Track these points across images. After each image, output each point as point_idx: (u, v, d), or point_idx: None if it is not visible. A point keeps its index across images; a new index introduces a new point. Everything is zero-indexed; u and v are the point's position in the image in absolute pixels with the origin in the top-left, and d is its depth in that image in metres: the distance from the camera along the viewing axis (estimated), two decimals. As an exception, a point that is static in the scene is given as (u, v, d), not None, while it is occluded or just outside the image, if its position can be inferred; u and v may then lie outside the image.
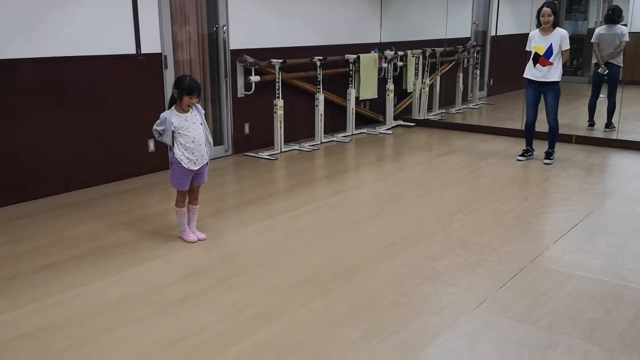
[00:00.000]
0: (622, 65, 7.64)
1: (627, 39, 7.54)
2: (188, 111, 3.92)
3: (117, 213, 4.76)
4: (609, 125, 7.84)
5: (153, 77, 5.82)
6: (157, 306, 3.21)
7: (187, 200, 4.10)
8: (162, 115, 3.90)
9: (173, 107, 3.91)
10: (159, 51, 5.83)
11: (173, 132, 3.87)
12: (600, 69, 7.62)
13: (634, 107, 8.94)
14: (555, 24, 6.05)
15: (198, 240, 4.11)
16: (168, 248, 4.01)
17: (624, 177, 5.98)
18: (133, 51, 5.61)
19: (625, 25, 7.68)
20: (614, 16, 7.60)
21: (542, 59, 6.08)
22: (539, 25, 6.12)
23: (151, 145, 5.85)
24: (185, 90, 3.83)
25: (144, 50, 5.68)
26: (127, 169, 5.72)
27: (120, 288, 3.44)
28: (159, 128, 3.89)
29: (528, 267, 3.68)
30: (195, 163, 3.96)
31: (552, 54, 6.03)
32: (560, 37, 6.01)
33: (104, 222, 4.53)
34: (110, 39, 5.41)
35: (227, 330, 2.96)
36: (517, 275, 3.56)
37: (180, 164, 3.91)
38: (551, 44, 6.02)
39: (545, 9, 6.03)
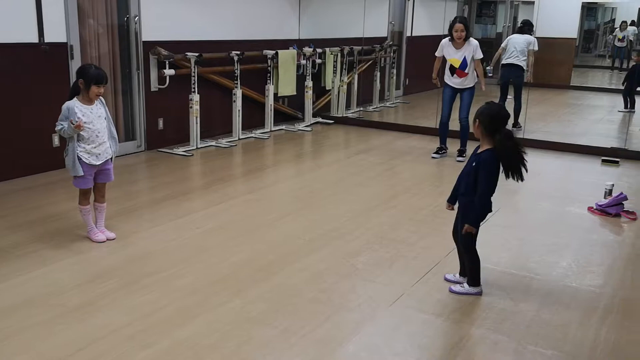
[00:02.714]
0: (527, 69, 8.06)
1: (537, 48, 8.04)
2: (93, 103, 3.72)
3: (19, 211, 4.45)
4: (515, 124, 8.22)
5: (58, 68, 5.49)
6: (62, 309, 3.02)
7: (91, 197, 3.89)
8: (65, 106, 3.67)
9: (76, 98, 3.69)
10: (65, 41, 5.51)
11: None
12: (489, 67, 8.07)
13: (538, 108, 9.43)
14: (467, 37, 6.23)
15: (107, 239, 3.91)
16: (74, 248, 3.80)
17: (530, 174, 6.24)
18: (35, 40, 5.28)
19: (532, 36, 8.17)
20: (524, 28, 8.22)
21: (459, 70, 6.30)
22: (451, 38, 6.29)
23: (56, 140, 5.52)
24: (93, 80, 3.63)
25: (47, 39, 5.35)
26: (30, 164, 5.37)
27: (21, 291, 3.21)
28: (64, 123, 3.65)
29: (442, 261, 3.77)
30: (97, 157, 3.76)
31: (467, 66, 6.28)
32: (472, 48, 6.24)
33: (5, 221, 4.23)
34: (8, 25, 5.05)
35: (139, 332, 2.83)
36: (432, 270, 3.63)
37: (81, 159, 3.70)
38: (465, 57, 6.24)
39: (457, 24, 6.18)
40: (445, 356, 2.74)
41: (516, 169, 3.14)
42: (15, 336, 2.77)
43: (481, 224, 3.29)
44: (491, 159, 3.17)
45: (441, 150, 6.66)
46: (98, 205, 3.93)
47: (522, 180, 3.17)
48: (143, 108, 6.42)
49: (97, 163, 3.78)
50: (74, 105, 3.65)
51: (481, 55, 6.28)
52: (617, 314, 3.17)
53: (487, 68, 8.06)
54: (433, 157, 6.58)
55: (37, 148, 5.42)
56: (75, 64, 5.57)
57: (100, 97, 3.76)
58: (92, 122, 3.69)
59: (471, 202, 3.22)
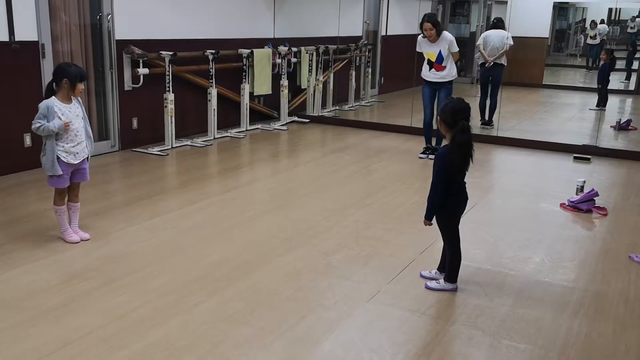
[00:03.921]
0: (505, 64, 8.16)
1: (512, 43, 8.10)
2: (72, 102, 3.69)
3: (-12, 213, 4.37)
4: (489, 123, 8.32)
5: (29, 67, 5.40)
6: (35, 312, 2.97)
7: (66, 197, 3.84)
8: (44, 104, 3.62)
9: (54, 97, 3.65)
10: (36, 39, 5.42)
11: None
12: (487, 63, 8.13)
13: (510, 106, 9.54)
14: (439, 33, 6.25)
15: (81, 240, 3.86)
16: (47, 250, 3.74)
17: (503, 172, 6.36)
18: (6, 38, 5.18)
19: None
20: (499, 24, 8.33)
21: (436, 64, 6.33)
22: (424, 35, 6.31)
23: (27, 140, 5.43)
24: (78, 77, 3.63)
25: (18, 38, 5.26)
26: (0, 165, 5.27)
27: (-9, 294, 3.15)
28: (42, 121, 3.59)
29: (418, 259, 3.79)
30: (75, 156, 3.73)
31: (443, 59, 6.30)
32: (447, 43, 6.26)
33: (-26, 224, 4.15)
34: (-21, 23, 4.96)
35: (114, 334, 2.79)
36: (408, 267, 3.66)
37: (60, 158, 3.66)
38: (440, 50, 6.27)
39: (425, 24, 6.19)
40: (422, 352, 2.76)
41: (463, 163, 3.17)
42: (-14, 340, 2.72)
43: (462, 217, 3.33)
44: (444, 154, 3.23)
45: (428, 150, 6.68)
46: (72, 205, 3.88)
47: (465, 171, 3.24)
48: (117, 108, 6.35)
49: (76, 162, 3.75)
50: (53, 103, 3.62)
51: (457, 49, 6.32)
52: (589, 307, 3.23)
53: (485, 65, 8.19)
54: (420, 158, 6.60)
55: (8, 148, 5.32)
56: (46, 63, 5.49)
57: (79, 102, 3.77)
58: (70, 120, 3.67)
59: None
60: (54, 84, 3.66)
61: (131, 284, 3.31)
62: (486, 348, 2.79)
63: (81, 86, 3.66)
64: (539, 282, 3.51)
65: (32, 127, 3.62)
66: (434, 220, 3.31)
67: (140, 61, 6.32)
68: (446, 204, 3.26)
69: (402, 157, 6.60)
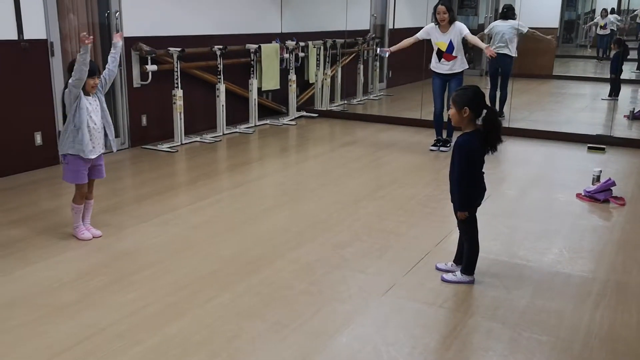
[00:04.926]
0: (515, 55, 8.06)
1: (525, 30, 8.00)
2: (90, 96, 3.70)
3: (2, 211, 4.35)
4: (500, 114, 8.23)
5: (39, 66, 5.38)
6: (49, 309, 2.95)
7: (83, 195, 3.84)
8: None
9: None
10: (45, 37, 5.39)
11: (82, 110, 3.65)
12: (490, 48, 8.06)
13: (521, 98, 9.46)
14: (452, 20, 6.17)
15: (93, 237, 3.84)
16: (60, 247, 3.71)
17: (516, 163, 6.28)
18: (14, 37, 5.16)
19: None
20: (508, 13, 8.14)
21: (446, 54, 6.24)
22: (436, 22, 6.23)
23: (38, 139, 5.41)
24: (89, 73, 3.62)
25: (27, 37, 5.23)
26: (12, 164, 5.25)
27: (6, 291, 3.13)
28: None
29: (433, 251, 3.74)
30: (93, 150, 3.73)
31: (454, 49, 6.19)
32: (458, 31, 6.17)
33: (-15, 222, 4.13)
34: (-13, 22, 4.95)
35: (128, 330, 2.76)
36: (423, 260, 3.60)
37: (79, 155, 3.67)
38: (451, 40, 6.17)
39: (440, 7, 6.11)
40: (440, 345, 2.71)
41: (496, 141, 3.15)
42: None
43: (478, 208, 3.27)
44: (467, 139, 3.16)
45: (438, 142, 6.60)
46: (86, 202, 3.87)
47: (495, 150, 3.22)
48: (126, 105, 6.33)
49: (93, 156, 3.75)
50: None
51: (468, 31, 6.19)
52: (611, 298, 3.16)
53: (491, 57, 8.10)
54: (431, 150, 6.51)
55: (19, 147, 5.30)
56: (55, 61, 5.48)
57: (97, 93, 3.76)
58: (91, 112, 3.69)
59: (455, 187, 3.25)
60: None
61: (144, 280, 3.28)
62: (507, 340, 2.74)
63: (92, 81, 3.66)
64: (558, 273, 3.45)
65: (71, 80, 3.58)
66: (450, 212, 3.26)
67: (149, 58, 6.29)
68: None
69: (412, 150, 6.53)
